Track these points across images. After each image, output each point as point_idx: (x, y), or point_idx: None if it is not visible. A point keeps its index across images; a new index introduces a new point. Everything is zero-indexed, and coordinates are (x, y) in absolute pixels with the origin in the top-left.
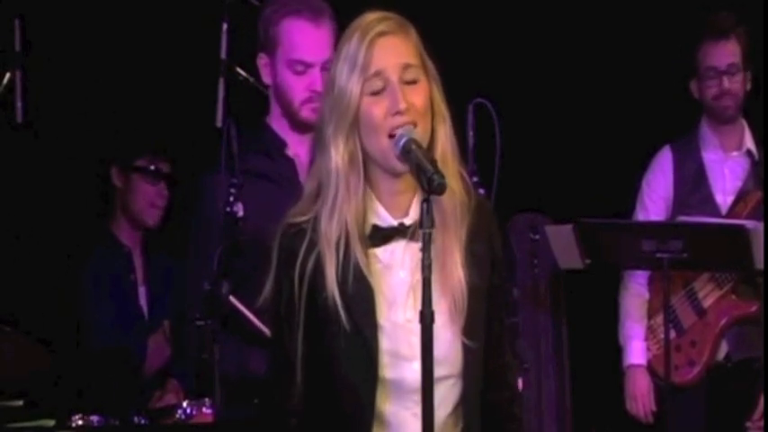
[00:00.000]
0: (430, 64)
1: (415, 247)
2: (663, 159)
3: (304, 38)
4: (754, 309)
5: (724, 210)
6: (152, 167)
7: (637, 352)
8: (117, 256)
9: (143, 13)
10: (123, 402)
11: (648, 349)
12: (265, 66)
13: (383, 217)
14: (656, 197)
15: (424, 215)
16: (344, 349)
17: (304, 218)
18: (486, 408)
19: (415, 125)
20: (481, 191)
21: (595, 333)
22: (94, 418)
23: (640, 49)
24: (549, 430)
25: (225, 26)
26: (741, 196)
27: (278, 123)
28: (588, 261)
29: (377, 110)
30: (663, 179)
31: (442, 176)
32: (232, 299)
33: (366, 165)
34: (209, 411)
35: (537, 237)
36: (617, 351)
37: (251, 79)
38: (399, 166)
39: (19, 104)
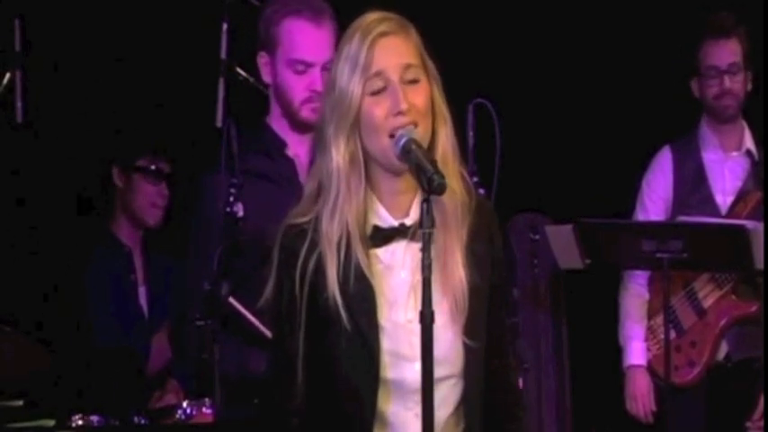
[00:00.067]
0: (430, 64)
1: (416, 247)
2: (662, 159)
3: (305, 38)
4: (754, 309)
5: (724, 210)
6: (153, 167)
7: (637, 352)
8: (117, 255)
9: (143, 13)
10: (124, 402)
11: (648, 350)
12: (266, 65)
13: (384, 217)
14: (655, 197)
15: (423, 215)
16: (346, 350)
17: (305, 218)
18: (488, 408)
19: (415, 125)
20: (481, 191)
21: (595, 333)
22: (94, 418)
23: (640, 49)
24: (549, 430)
25: (225, 26)
26: (741, 196)
27: (278, 123)
28: (588, 261)
29: (378, 110)
30: (663, 179)
31: (442, 176)
32: (231, 300)
33: (367, 165)
34: (209, 411)
35: (537, 237)
36: (617, 351)
37: (251, 79)
38: (400, 165)
39: (19, 104)
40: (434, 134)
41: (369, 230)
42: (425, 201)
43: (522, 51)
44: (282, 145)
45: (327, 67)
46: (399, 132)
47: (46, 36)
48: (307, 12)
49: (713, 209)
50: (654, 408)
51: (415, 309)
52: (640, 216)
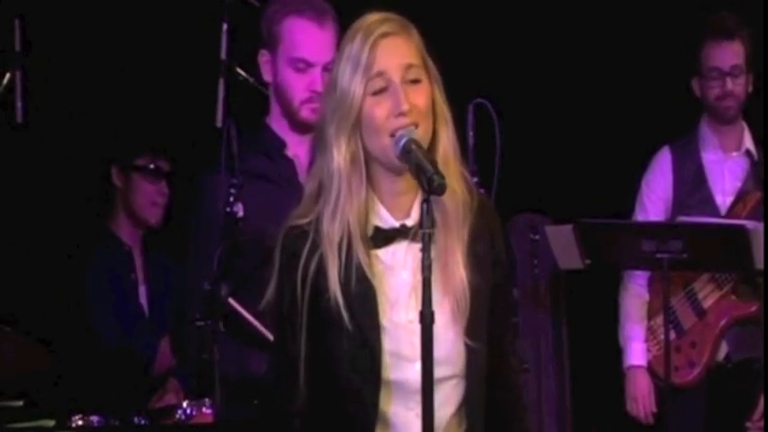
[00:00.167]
0: (432, 65)
1: (417, 248)
2: (662, 160)
3: (306, 37)
4: (754, 309)
5: (723, 210)
6: (152, 166)
7: (637, 353)
8: (117, 254)
9: (143, 13)
10: (126, 402)
11: (648, 350)
12: (266, 63)
13: (385, 218)
14: (655, 198)
15: (424, 215)
16: (347, 350)
17: (305, 220)
18: (490, 408)
19: (416, 126)
20: (481, 191)
21: (595, 333)
22: (94, 419)
23: (640, 49)
24: (549, 430)
25: (225, 26)
26: (740, 196)
27: (278, 124)
28: (588, 261)
29: (379, 111)
30: (662, 180)
31: (442, 176)
32: (231, 301)
33: (368, 165)
34: (209, 411)
35: (537, 237)
36: (617, 351)
37: (251, 79)
38: (400, 165)
39: (19, 104)
40: (435, 135)
41: (370, 231)
42: (425, 201)
43: (522, 51)
44: (282, 145)
45: (328, 68)
46: (400, 133)
47: (46, 36)
48: (309, 12)
49: (713, 209)
50: (654, 409)
51: (416, 309)
52: (640, 216)
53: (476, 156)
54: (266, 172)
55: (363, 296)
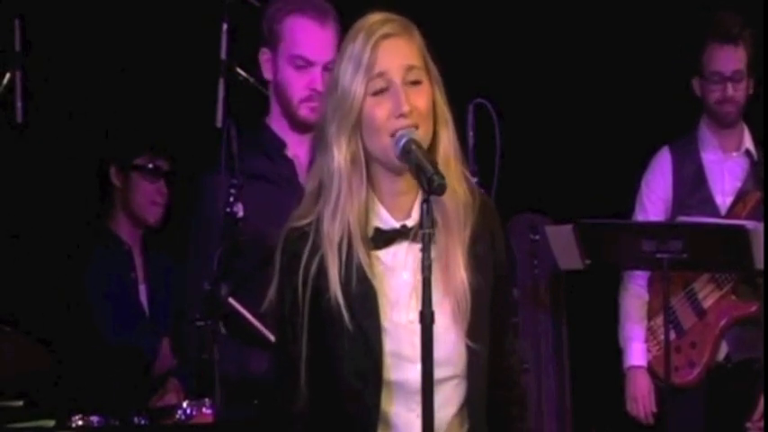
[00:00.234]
0: (433, 67)
1: (418, 248)
2: (662, 160)
3: (308, 35)
4: (753, 309)
5: (723, 210)
6: (150, 166)
7: (637, 353)
8: (117, 254)
9: (143, 13)
10: (126, 402)
11: (648, 350)
12: (267, 61)
13: (385, 219)
14: (655, 198)
15: (423, 215)
16: (348, 351)
17: (306, 220)
18: (492, 409)
19: (416, 128)
20: (482, 191)
21: (595, 333)
22: (94, 419)
23: (640, 49)
24: (549, 430)
25: (225, 26)
26: (740, 197)
27: (277, 123)
28: (588, 261)
29: (379, 111)
30: (662, 180)
31: (442, 176)
32: (231, 301)
33: (368, 165)
34: (209, 411)
35: (537, 237)
36: (617, 351)
37: (251, 79)
38: (401, 165)
39: (19, 104)
40: (436, 136)
41: (370, 232)
42: (425, 201)
43: (522, 52)
44: (282, 145)
45: (328, 68)
46: (400, 133)
47: (46, 36)
48: (311, 11)
49: (713, 209)
50: (654, 409)
51: (416, 310)
52: (640, 217)
53: (476, 156)
54: (266, 172)
55: (364, 296)
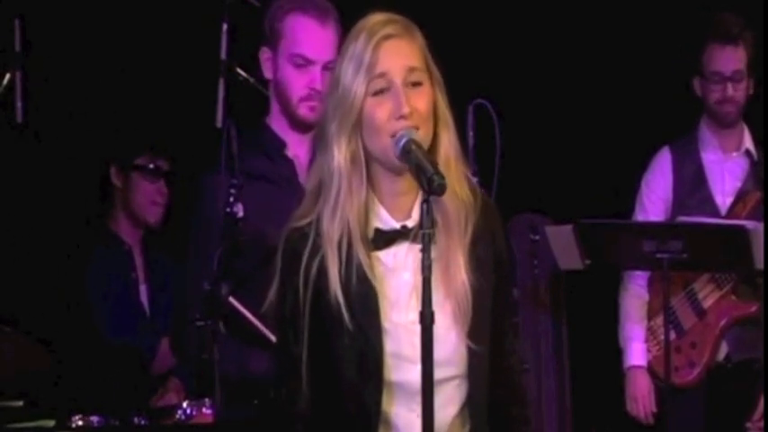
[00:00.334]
0: (435, 68)
1: (418, 249)
2: (662, 160)
3: (308, 34)
4: (753, 309)
5: (723, 210)
6: (151, 166)
7: (637, 353)
8: (118, 254)
9: (143, 13)
10: (126, 401)
11: (648, 350)
12: (267, 60)
13: (385, 219)
14: (655, 198)
15: (423, 215)
16: (349, 351)
17: (306, 220)
18: (494, 409)
19: (417, 129)
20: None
21: (595, 333)
22: (94, 419)
23: (640, 49)
24: (549, 430)
25: (225, 26)
26: (740, 197)
27: (277, 123)
28: (588, 261)
29: (380, 111)
30: (662, 180)
31: (442, 176)
32: (232, 300)
33: (368, 165)
34: (209, 411)
35: (537, 237)
36: (617, 351)
37: (251, 79)
38: (401, 166)
39: (19, 104)
40: (437, 138)
41: (370, 233)
42: (425, 201)
43: (523, 52)
44: (282, 145)
45: (329, 67)
46: (400, 133)
47: (46, 36)
48: (312, 10)
49: (713, 209)
50: (654, 409)
51: (417, 310)
52: (640, 217)
53: (476, 156)
54: (266, 172)
55: (364, 296)
